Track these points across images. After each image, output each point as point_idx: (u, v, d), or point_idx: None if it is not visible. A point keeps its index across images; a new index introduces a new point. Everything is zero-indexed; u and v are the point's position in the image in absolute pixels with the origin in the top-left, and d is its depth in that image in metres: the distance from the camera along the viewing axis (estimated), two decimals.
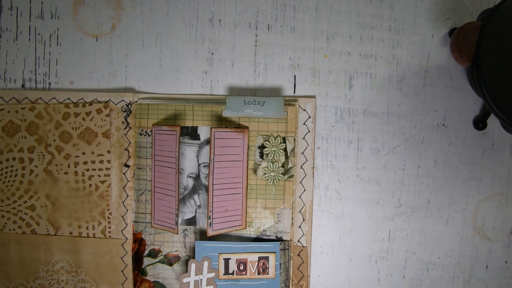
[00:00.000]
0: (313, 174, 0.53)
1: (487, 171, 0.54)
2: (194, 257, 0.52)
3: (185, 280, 0.51)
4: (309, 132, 0.53)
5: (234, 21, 0.53)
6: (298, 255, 0.53)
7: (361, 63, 0.53)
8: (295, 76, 0.54)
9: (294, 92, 0.54)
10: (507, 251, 0.55)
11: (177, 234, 0.52)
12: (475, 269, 0.55)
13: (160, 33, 0.54)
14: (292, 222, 0.53)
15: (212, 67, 0.54)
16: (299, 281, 0.53)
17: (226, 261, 0.51)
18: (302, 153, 0.53)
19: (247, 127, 0.52)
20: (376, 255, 0.55)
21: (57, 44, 0.54)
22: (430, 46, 0.53)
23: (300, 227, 0.53)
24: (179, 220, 0.53)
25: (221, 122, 0.52)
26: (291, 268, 0.53)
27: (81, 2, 0.54)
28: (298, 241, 0.53)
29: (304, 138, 0.53)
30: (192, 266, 0.51)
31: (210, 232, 0.51)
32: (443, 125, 0.54)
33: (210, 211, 0.51)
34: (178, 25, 0.54)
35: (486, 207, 0.54)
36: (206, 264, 0.51)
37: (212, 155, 0.51)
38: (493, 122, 0.54)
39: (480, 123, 0.52)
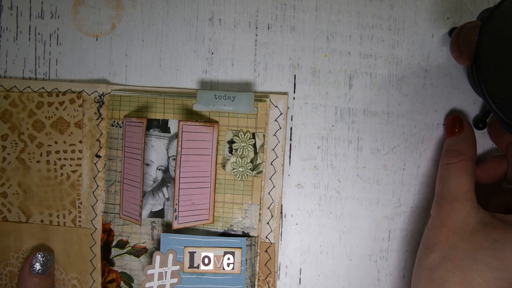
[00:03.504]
0: (283, 171, 0.53)
1: None
2: (159, 249, 0.52)
3: (149, 271, 0.50)
4: (280, 128, 0.53)
5: (234, 21, 0.53)
6: (266, 251, 0.53)
7: (361, 62, 0.53)
8: (295, 75, 0.54)
9: (294, 92, 0.54)
10: None
11: (140, 225, 0.52)
12: None
13: (160, 33, 0.54)
14: (259, 218, 0.52)
15: (212, 67, 0.54)
16: (266, 278, 0.53)
17: (191, 254, 0.51)
18: (273, 149, 0.53)
19: (217, 122, 0.52)
20: (376, 255, 0.55)
21: (57, 43, 0.54)
22: (430, 46, 0.53)
23: (268, 223, 0.53)
24: (147, 212, 0.53)
25: (192, 116, 0.52)
26: (257, 264, 0.53)
27: (81, 1, 0.54)
28: (266, 238, 0.53)
29: (275, 135, 0.53)
30: (157, 258, 0.51)
31: (175, 225, 0.51)
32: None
33: (176, 204, 0.51)
34: (178, 25, 0.54)
35: None
36: (171, 256, 0.51)
37: (179, 148, 0.50)
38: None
39: (480, 123, 0.52)
